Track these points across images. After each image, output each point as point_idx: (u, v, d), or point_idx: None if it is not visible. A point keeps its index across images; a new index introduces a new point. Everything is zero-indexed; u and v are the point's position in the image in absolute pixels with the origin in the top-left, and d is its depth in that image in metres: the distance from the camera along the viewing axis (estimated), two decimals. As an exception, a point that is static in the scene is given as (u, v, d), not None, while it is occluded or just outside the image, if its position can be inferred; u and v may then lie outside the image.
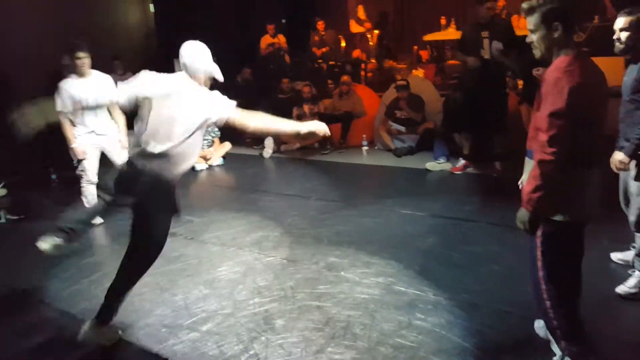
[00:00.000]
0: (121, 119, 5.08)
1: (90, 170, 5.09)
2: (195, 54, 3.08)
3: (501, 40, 5.37)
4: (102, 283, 3.90)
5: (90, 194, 5.08)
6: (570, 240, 2.41)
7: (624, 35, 3.06)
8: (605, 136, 2.46)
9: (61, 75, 6.32)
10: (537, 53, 2.40)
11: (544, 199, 2.26)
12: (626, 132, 3.16)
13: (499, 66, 5.49)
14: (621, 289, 3.21)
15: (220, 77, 3.11)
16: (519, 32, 7.89)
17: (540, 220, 2.34)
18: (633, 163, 3.12)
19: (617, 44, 3.11)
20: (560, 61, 2.27)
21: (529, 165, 2.43)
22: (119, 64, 7.78)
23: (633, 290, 3.17)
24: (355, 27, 10.93)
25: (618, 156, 3.14)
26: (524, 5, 2.37)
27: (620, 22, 3.07)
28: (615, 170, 3.21)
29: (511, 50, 5.40)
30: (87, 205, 4.94)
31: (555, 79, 2.22)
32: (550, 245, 2.39)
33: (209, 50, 3.10)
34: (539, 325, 2.79)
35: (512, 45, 5.41)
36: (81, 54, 4.80)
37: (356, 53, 10.57)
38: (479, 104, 5.60)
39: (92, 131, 5.00)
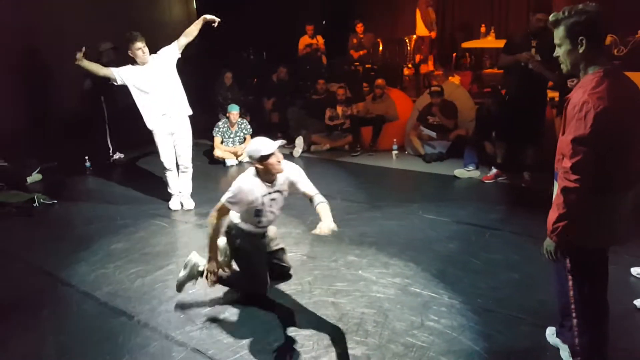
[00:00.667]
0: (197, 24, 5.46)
1: (166, 156, 5.29)
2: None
3: (547, 53, 5.28)
4: (127, 269, 4.07)
5: (171, 181, 5.41)
6: (598, 263, 2.37)
7: None
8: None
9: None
10: (563, 68, 2.30)
11: (569, 228, 2.19)
12: None
13: (541, 77, 5.38)
14: (639, 302, 3.15)
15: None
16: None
17: (566, 246, 2.28)
18: None
19: None
20: (587, 81, 2.15)
21: (556, 187, 2.34)
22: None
23: None
24: (422, 30, 10.78)
25: None
26: (551, 18, 2.28)
27: None
28: None
29: (554, 63, 5.30)
30: (169, 191, 5.40)
31: (580, 101, 2.09)
32: (579, 269, 2.34)
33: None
34: (550, 333, 2.78)
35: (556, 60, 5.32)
36: (139, 44, 4.89)
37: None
38: (518, 113, 5.50)
39: (164, 114, 5.12)
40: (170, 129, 5.20)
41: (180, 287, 3.55)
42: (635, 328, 3.02)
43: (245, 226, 3.52)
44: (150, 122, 5.11)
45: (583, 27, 2.16)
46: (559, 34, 2.25)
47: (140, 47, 4.89)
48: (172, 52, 5.17)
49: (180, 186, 5.44)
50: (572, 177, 2.11)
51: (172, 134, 5.24)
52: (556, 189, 2.30)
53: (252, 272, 3.54)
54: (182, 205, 5.45)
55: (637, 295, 3.22)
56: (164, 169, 5.37)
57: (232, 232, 3.56)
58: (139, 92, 5.02)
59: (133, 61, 5.01)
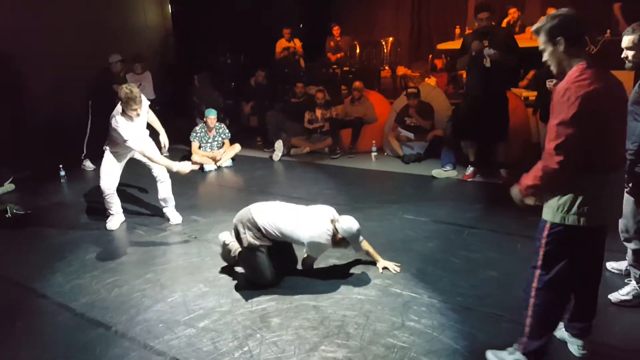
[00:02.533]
0: (157, 121, 5.29)
1: (109, 181, 5.05)
2: None
3: (500, 49, 5.42)
4: (104, 279, 4.00)
5: (112, 201, 5.12)
6: (578, 243, 2.42)
7: (630, 54, 3.10)
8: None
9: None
10: (553, 70, 2.46)
11: (537, 194, 2.42)
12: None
13: (499, 76, 5.52)
14: (614, 296, 3.22)
15: None
16: (532, 43, 7.95)
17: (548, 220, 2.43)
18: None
19: (626, 62, 3.16)
20: (571, 72, 2.31)
21: None
22: (137, 66, 7.92)
23: (624, 297, 3.18)
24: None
25: None
26: (532, 29, 2.49)
27: (625, 41, 3.10)
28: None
29: (510, 56, 5.48)
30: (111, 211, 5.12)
31: (563, 89, 2.25)
32: (555, 245, 2.42)
33: None
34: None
35: (511, 54, 5.49)
36: (136, 106, 4.68)
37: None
38: (482, 113, 5.65)
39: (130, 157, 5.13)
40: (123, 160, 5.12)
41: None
42: (611, 322, 3.06)
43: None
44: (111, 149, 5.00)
45: (559, 28, 2.36)
46: (541, 40, 2.43)
47: (136, 109, 4.69)
48: (146, 108, 5.04)
49: (162, 196, 5.22)
50: (555, 158, 2.23)
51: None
52: None
53: (258, 272, 3.70)
54: (168, 220, 5.24)
55: (612, 290, 3.27)
56: (103, 193, 5.03)
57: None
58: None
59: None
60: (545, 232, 2.42)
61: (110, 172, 5.04)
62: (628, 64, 3.14)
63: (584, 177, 2.31)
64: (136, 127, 4.87)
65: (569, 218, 2.36)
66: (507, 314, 3.14)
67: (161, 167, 4.99)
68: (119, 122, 4.73)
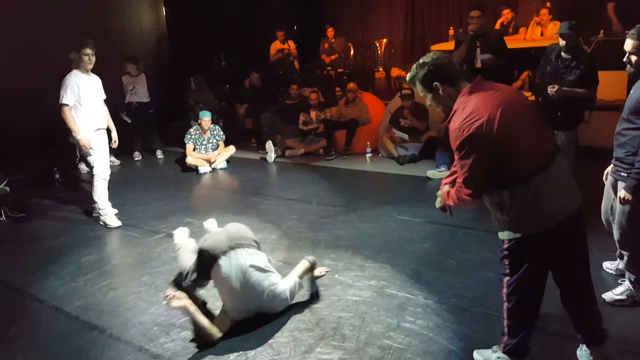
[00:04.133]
0: (110, 118, 5.39)
1: (102, 167, 5.20)
2: None
3: (492, 50, 5.47)
4: (99, 282, 3.99)
5: (103, 192, 5.22)
6: (532, 250, 2.43)
7: (633, 59, 3.04)
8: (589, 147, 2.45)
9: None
10: (441, 111, 2.53)
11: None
12: (616, 150, 3.12)
13: (491, 77, 5.55)
14: (608, 296, 3.23)
15: None
16: (525, 44, 7.99)
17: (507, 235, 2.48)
18: (620, 184, 3.07)
19: (628, 66, 3.10)
20: (457, 109, 2.35)
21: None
22: (131, 67, 7.86)
23: (619, 297, 3.19)
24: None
25: (622, 193, 3.04)
26: (407, 79, 2.56)
27: (629, 45, 3.03)
28: (620, 202, 3.11)
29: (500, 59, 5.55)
30: (97, 199, 5.17)
31: (456, 129, 2.30)
32: (513, 256, 2.47)
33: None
34: None
35: (501, 56, 5.54)
36: (89, 50, 4.96)
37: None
38: None
39: (98, 128, 5.17)
40: (100, 139, 5.21)
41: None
42: (606, 322, 3.05)
43: None
44: (84, 134, 5.05)
45: (431, 75, 2.43)
46: (418, 88, 2.51)
47: (88, 54, 4.97)
48: (101, 88, 5.31)
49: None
50: (464, 191, 2.37)
51: (101, 143, 5.23)
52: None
53: None
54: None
55: (606, 289, 3.29)
56: (102, 179, 5.19)
57: None
58: (76, 100, 5.01)
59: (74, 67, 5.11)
60: (504, 246, 2.49)
61: (102, 158, 5.17)
62: (629, 68, 3.10)
63: (511, 190, 2.33)
64: (86, 85, 5.02)
65: (511, 234, 2.42)
66: (502, 315, 3.13)
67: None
68: (69, 74, 5.00)
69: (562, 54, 4.73)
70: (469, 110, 2.29)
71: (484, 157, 2.27)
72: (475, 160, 2.28)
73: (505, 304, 2.57)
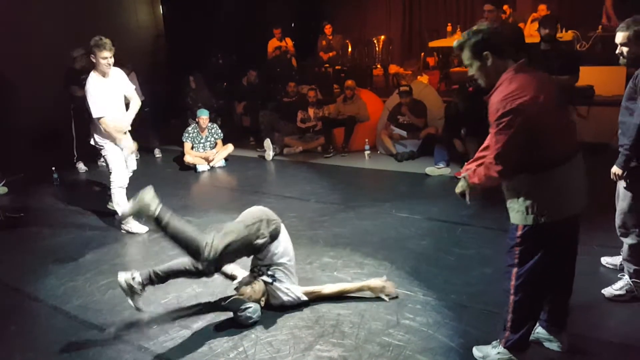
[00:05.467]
0: (133, 112, 5.00)
1: (120, 173, 4.95)
2: None
3: None
4: (97, 281, 3.98)
5: (123, 201, 4.94)
6: (547, 239, 2.44)
7: (624, 50, 3.09)
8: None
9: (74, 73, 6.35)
10: (481, 82, 2.51)
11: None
12: (621, 138, 3.18)
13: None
14: (608, 291, 3.23)
15: None
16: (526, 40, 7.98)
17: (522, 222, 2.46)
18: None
19: (620, 58, 3.15)
20: (502, 84, 2.36)
21: None
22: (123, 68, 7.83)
23: (618, 292, 3.19)
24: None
25: (613, 168, 3.15)
26: (454, 45, 2.53)
27: (619, 37, 3.09)
28: (614, 179, 3.21)
29: None
30: (116, 207, 4.99)
31: (498, 102, 2.31)
32: (526, 244, 2.47)
33: None
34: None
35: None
36: (107, 54, 4.60)
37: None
38: (479, 111, 5.64)
39: (125, 132, 4.93)
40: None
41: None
42: (604, 317, 3.08)
43: None
44: (105, 140, 4.84)
45: (484, 43, 2.41)
46: (466, 55, 2.48)
47: (106, 57, 4.61)
48: (126, 81, 5.00)
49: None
50: (495, 167, 2.35)
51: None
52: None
53: None
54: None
55: (606, 285, 3.28)
56: (119, 187, 4.95)
57: None
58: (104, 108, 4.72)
59: (91, 67, 4.81)
60: (517, 233, 2.48)
61: (122, 165, 4.92)
62: (622, 60, 3.14)
63: (534, 176, 2.36)
64: (108, 90, 4.70)
65: (530, 219, 2.41)
66: (501, 311, 3.12)
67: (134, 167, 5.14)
68: (89, 80, 4.64)
69: (542, 46, 4.75)
70: (514, 86, 2.30)
71: (521, 133, 2.27)
72: (512, 135, 2.27)
73: (512, 297, 2.54)
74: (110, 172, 4.96)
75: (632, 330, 2.96)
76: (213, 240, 3.18)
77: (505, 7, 9.36)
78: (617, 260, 3.50)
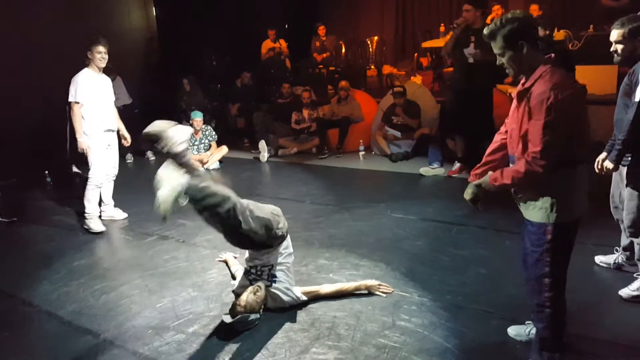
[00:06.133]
0: (118, 116, 5.36)
1: (99, 172, 5.11)
2: None
3: (486, 48, 5.47)
4: (91, 286, 3.96)
5: (94, 199, 5.12)
6: (569, 238, 2.44)
7: (619, 48, 3.09)
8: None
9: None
10: (510, 73, 2.43)
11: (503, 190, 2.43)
12: (615, 133, 3.20)
13: (483, 73, 5.57)
14: (625, 292, 3.20)
15: None
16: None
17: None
18: (624, 170, 3.14)
19: (615, 55, 3.15)
20: (544, 75, 2.28)
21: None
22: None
23: (636, 293, 3.16)
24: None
25: (605, 162, 3.16)
26: (485, 32, 2.41)
27: (614, 35, 3.09)
28: (597, 170, 3.22)
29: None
30: (86, 202, 5.11)
31: (543, 92, 2.22)
32: (556, 247, 2.38)
33: None
34: (514, 332, 2.83)
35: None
36: (102, 48, 4.91)
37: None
38: (465, 108, 5.71)
39: (109, 129, 5.13)
40: (108, 142, 5.16)
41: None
42: (602, 317, 3.08)
43: None
44: (90, 136, 4.99)
45: (520, 32, 2.32)
46: (498, 44, 2.37)
47: (101, 52, 4.92)
48: (111, 89, 5.33)
49: (107, 196, 5.38)
50: (539, 162, 2.24)
51: (108, 146, 5.18)
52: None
53: None
54: (112, 217, 5.42)
55: (601, 284, 3.30)
56: (96, 186, 5.11)
57: None
58: (88, 99, 4.96)
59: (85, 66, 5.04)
60: (547, 237, 2.36)
61: (102, 164, 5.09)
62: (617, 58, 3.14)
63: (560, 173, 2.31)
64: (98, 85, 4.99)
65: (553, 216, 2.34)
66: (497, 311, 3.14)
67: (116, 164, 5.31)
68: (80, 73, 4.94)
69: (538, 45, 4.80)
70: (556, 79, 2.24)
71: (566, 126, 2.22)
72: (559, 127, 2.20)
73: (550, 311, 2.44)
74: (89, 169, 5.12)
75: (629, 329, 2.96)
76: (239, 201, 3.15)
77: (497, 7, 9.40)
78: (611, 259, 3.51)
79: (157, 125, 3.09)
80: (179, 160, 3.08)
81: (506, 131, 2.58)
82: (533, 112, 2.25)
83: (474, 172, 2.71)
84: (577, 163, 2.34)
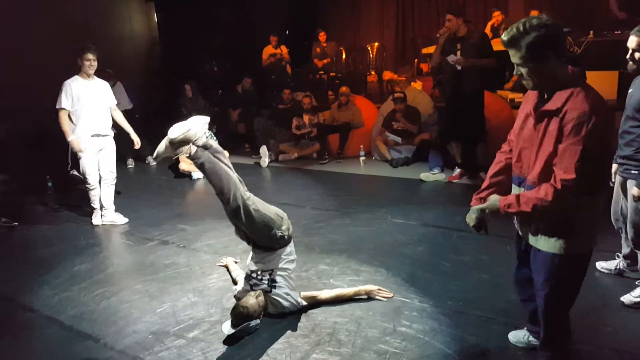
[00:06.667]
0: (126, 122, 5.49)
1: (90, 175, 5.27)
2: None
3: (471, 54, 5.53)
4: (92, 290, 3.95)
5: (95, 198, 5.36)
6: (583, 267, 2.31)
7: (637, 56, 2.99)
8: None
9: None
10: (528, 85, 2.17)
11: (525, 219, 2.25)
12: (623, 148, 3.13)
13: (471, 78, 5.60)
14: (627, 298, 3.19)
15: None
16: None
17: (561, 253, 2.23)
18: (630, 182, 3.08)
19: (630, 62, 3.05)
20: (576, 93, 2.04)
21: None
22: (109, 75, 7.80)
23: (638, 299, 3.16)
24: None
25: (633, 191, 3.04)
26: (504, 38, 2.11)
27: (633, 42, 2.99)
28: (634, 199, 3.14)
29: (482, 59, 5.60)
30: (93, 205, 5.35)
31: (584, 111, 1.98)
32: (570, 272, 2.27)
33: None
34: (515, 339, 2.82)
35: (484, 57, 5.62)
36: (90, 55, 5.03)
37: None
38: (455, 114, 5.78)
39: (96, 134, 5.21)
40: (98, 146, 5.27)
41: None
42: (602, 323, 3.07)
43: None
44: (78, 139, 5.15)
45: (547, 42, 2.04)
46: (520, 53, 2.07)
47: (90, 59, 5.06)
48: (110, 95, 5.44)
49: (107, 201, 5.48)
50: (572, 191, 2.03)
51: (100, 150, 5.30)
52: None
53: None
54: (113, 222, 5.47)
55: (601, 290, 3.29)
56: (90, 186, 5.31)
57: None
58: (75, 105, 5.11)
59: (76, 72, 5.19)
60: (559, 269, 2.23)
61: (90, 166, 5.25)
62: (631, 66, 3.04)
63: (581, 203, 2.12)
64: (87, 91, 5.09)
65: (568, 248, 2.19)
66: (498, 317, 3.14)
67: (114, 168, 5.43)
68: (68, 80, 5.08)
69: None
70: (594, 99, 2.01)
71: (602, 152, 2.05)
72: (596, 154, 2.01)
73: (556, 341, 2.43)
74: (82, 174, 5.35)
75: (632, 335, 2.95)
76: (243, 194, 3.19)
77: (497, 13, 9.45)
78: (612, 264, 3.51)
79: (178, 130, 3.17)
80: (209, 149, 3.23)
81: (510, 149, 2.41)
82: (569, 134, 2.00)
83: (477, 195, 2.53)
84: (599, 193, 2.18)
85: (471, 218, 2.44)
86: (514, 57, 2.10)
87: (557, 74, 2.09)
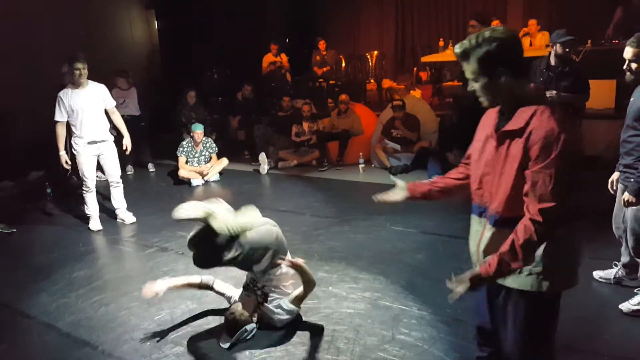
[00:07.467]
0: (123, 124, 5.51)
1: (89, 178, 5.34)
2: None
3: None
4: (90, 297, 3.95)
5: (90, 202, 5.42)
6: (558, 303, 2.07)
7: (634, 66, 3.03)
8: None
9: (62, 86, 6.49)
10: (484, 102, 2.01)
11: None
12: (624, 157, 3.16)
13: None
14: (625, 306, 3.19)
15: None
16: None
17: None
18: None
19: (627, 73, 3.08)
20: (540, 110, 1.85)
21: (478, 226, 2.13)
22: (122, 81, 7.83)
23: (636, 307, 3.16)
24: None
25: (625, 196, 3.06)
26: (456, 50, 1.97)
27: (629, 52, 3.02)
28: (611, 192, 3.21)
29: None
30: (87, 212, 5.38)
31: (552, 130, 1.79)
32: (543, 313, 2.05)
33: None
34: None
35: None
36: (79, 65, 5.05)
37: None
38: (472, 126, 5.72)
39: (92, 141, 5.26)
40: (96, 152, 5.34)
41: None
42: (600, 331, 3.07)
43: None
44: (76, 147, 5.27)
45: (498, 56, 1.87)
46: (471, 67, 1.92)
47: (79, 68, 5.05)
48: (107, 98, 5.43)
49: (117, 202, 5.61)
50: (553, 220, 1.81)
51: (97, 155, 5.37)
52: (476, 228, 2.12)
53: None
54: (123, 221, 5.65)
55: (599, 299, 3.29)
56: (87, 189, 5.39)
57: None
58: (68, 115, 5.19)
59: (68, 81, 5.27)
60: (536, 309, 2.01)
61: (88, 170, 5.31)
62: (629, 76, 3.08)
63: (559, 232, 1.88)
64: (80, 100, 5.12)
65: (545, 285, 1.95)
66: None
67: (117, 171, 5.52)
68: (60, 92, 5.14)
69: (552, 62, 4.77)
70: (560, 116, 1.82)
71: (576, 174, 1.85)
72: (571, 176, 1.82)
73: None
74: (81, 177, 5.44)
75: (630, 343, 2.95)
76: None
77: (495, 22, 9.45)
78: (610, 274, 3.51)
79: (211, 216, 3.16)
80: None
81: (468, 163, 2.21)
82: (537, 157, 1.81)
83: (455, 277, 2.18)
84: (574, 220, 1.95)
85: (462, 286, 2.17)
86: (467, 71, 1.96)
87: (513, 91, 1.91)
